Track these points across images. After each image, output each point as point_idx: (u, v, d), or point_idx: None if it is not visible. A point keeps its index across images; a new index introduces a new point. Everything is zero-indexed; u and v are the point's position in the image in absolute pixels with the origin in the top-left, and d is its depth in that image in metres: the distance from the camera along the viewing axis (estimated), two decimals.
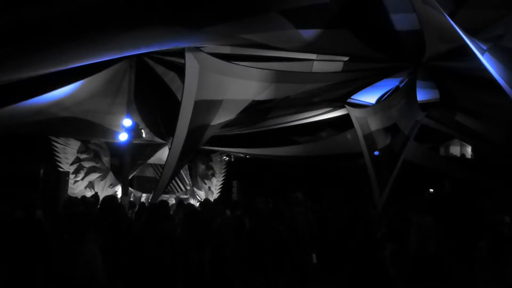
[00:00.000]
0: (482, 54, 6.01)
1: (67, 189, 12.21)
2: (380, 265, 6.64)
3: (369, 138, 13.07)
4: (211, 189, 16.96)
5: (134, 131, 10.32)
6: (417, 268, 7.11)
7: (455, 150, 22.43)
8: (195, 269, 6.25)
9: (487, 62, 5.95)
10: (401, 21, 7.80)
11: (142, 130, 11.26)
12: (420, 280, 7.21)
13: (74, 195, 12.90)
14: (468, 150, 22.13)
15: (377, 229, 7.75)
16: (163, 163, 10.93)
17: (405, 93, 11.76)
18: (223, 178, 17.83)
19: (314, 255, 7.34)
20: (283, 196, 11.85)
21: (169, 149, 10.18)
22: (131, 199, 13.04)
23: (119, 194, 13.32)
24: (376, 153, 13.14)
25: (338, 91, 12.08)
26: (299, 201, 7.52)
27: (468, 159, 21.64)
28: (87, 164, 13.77)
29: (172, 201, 14.81)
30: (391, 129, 12.87)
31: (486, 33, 6.50)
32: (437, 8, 6.08)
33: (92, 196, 10.86)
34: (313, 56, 10.06)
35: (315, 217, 7.67)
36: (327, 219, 8.50)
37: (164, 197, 14.30)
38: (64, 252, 3.72)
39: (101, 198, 11.39)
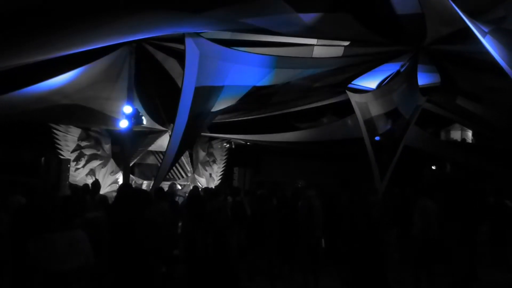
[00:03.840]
0: (484, 36, 5.98)
1: (68, 177, 12.23)
2: (382, 251, 6.71)
3: (370, 123, 13.05)
4: (212, 176, 17.00)
5: (135, 118, 10.32)
6: (422, 252, 7.17)
7: (455, 134, 22.45)
8: (199, 253, 6.29)
9: (488, 44, 5.92)
10: (402, 4, 7.73)
11: (143, 117, 11.26)
12: (424, 263, 7.28)
13: (75, 183, 12.95)
14: (469, 134, 22.15)
15: (379, 214, 7.79)
16: (164, 150, 10.94)
17: (406, 77, 11.71)
18: (224, 164, 17.86)
19: (323, 240, 7.41)
20: (283, 183, 11.90)
21: (170, 136, 10.18)
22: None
23: (120, 181, 13.37)
24: (377, 138, 13.13)
25: (339, 76, 12.04)
26: (310, 187, 7.55)
27: (469, 143, 21.67)
28: (88, 152, 13.78)
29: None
30: (392, 114, 12.83)
31: (488, 15, 6.46)
32: None
33: (92, 182, 10.88)
34: (313, 41, 10.01)
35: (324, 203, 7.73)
36: (332, 206, 8.56)
37: (165, 184, 14.36)
38: (49, 240, 3.72)
39: (102, 185, 11.47)
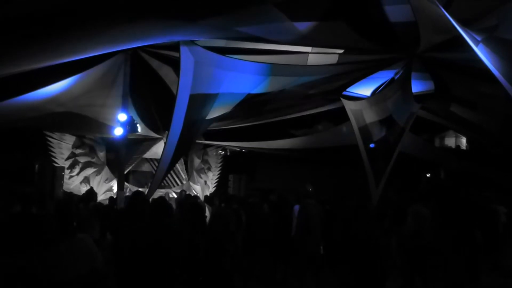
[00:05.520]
0: (477, 45, 6.01)
1: (62, 184, 12.17)
2: (380, 257, 6.72)
3: (365, 130, 13.09)
4: (207, 183, 16.97)
5: (130, 126, 10.30)
6: (415, 258, 7.16)
7: (450, 141, 22.55)
8: (195, 260, 6.27)
9: (481, 53, 5.96)
10: (396, 12, 7.78)
11: (138, 125, 11.24)
12: (418, 269, 7.27)
13: (69, 190, 12.88)
14: (463, 141, 22.25)
15: (375, 220, 7.80)
16: (159, 157, 10.92)
17: (400, 85, 11.77)
18: (219, 172, 17.84)
19: (321, 247, 7.42)
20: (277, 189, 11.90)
21: (165, 143, 10.17)
22: (127, 194, 13.03)
23: (115, 189, 13.32)
24: (372, 145, 13.16)
25: (333, 84, 12.08)
26: (309, 194, 7.56)
27: (463, 150, 21.76)
28: (82, 159, 13.73)
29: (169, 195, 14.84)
30: (387, 121, 12.88)
31: (481, 23, 6.51)
32: None
33: (88, 190, 10.84)
34: (308, 49, 10.05)
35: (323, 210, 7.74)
36: (328, 212, 8.56)
37: (160, 191, 14.31)
38: (52, 248, 3.68)
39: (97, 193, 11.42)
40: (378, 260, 6.40)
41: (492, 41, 5.97)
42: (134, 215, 5.07)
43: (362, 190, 12.56)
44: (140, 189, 10.97)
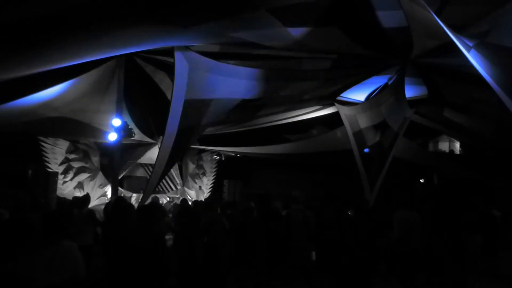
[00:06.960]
0: (468, 51, 6.05)
1: (56, 190, 12.11)
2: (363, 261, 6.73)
3: (359, 135, 13.14)
4: (201, 189, 16.94)
5: (124, 131, 10.28)
6: (403, 263, 7.14)
7: (444, 146, 22.61)
8: (188, 265, 6.27)
9: (473, 58, 5.99)
10: (389, 18, 7.83)
11: (132, 130, 11.22)
12: (407, 274, 7.25)
13: (63, 196, 12.82)
14: (457, 145, 22.32)
15: (369, 225, 7.82)
16: (153, 162, 10.91)
17: (394, 90, 11.83)
18: (213, 177, 17.82)
19: (313, 253, 7.38)
20: (273, 194, 11.90)
21: (159, 148, 10.16)
22: None
23: (109, 194, 13.27)
24: (366, 150, 13.21)
25: (327, 89, 12.12)
26: (297, 199, 7.54)
27: (457, 154, 21.83)
28: (76, 164, 13.66)
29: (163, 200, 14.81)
30: (381, 126, 12.94)
31: (473, 29, 6.56)
32: (423, 5, 6.12)
33: (83, 196, 10.79)
34: (302, 54, 10.08)
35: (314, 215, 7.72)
36: (321, 218, 8.56)
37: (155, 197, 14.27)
38: (35, 255, 3.64)
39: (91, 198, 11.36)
40: (361, 264, 6.42)
41: (483, 46, 6.00)
42: (117, 222, 5.04)
43: (357, 195, 12.59)
44: (121, 195, 10.95)
